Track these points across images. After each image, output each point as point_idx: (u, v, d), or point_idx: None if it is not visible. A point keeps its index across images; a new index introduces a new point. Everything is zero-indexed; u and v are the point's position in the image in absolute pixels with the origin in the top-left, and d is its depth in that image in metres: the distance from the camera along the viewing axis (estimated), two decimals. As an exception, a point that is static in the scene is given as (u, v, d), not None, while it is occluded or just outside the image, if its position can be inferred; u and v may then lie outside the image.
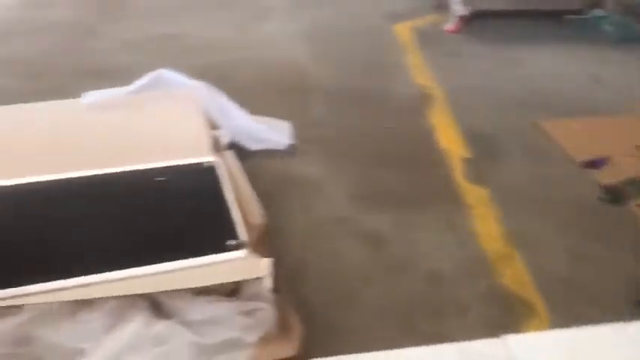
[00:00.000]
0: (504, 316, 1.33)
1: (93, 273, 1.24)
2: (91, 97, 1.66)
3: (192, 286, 1.18)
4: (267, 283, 1.24)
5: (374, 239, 1.53)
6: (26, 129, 1.60)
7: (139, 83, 1.70)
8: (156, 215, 1.44)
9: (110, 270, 1.25)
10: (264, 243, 1.37)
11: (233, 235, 1.39)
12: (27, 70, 2.28)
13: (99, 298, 1.18)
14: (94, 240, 1.35)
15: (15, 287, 1.18)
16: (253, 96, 2.06)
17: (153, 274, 1.26)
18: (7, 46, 2.45)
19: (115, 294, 1.14)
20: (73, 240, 1.34)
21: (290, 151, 1.84)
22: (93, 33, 2.64)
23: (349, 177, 1.76)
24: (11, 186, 1.47)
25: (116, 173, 1.56)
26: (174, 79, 1.73)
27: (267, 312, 1.19)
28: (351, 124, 2.02)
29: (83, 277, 1.23)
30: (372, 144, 1.91)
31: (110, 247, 1.33)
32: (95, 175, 1.54)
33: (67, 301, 1.15)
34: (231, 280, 1.21)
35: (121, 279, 1.24)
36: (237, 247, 1.35)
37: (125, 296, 1.17)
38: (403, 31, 2.78)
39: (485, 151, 1.90)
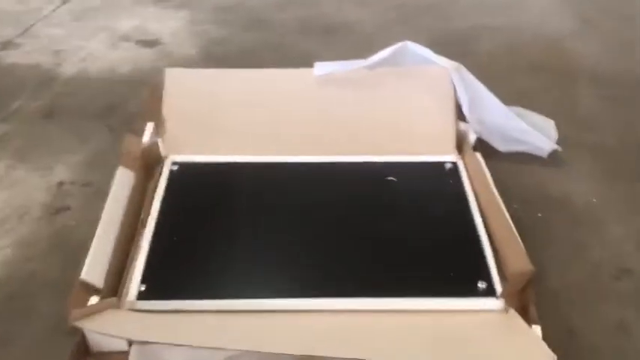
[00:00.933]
0: None
1: (308, 296, 1.01)
2: (324, 68, 1.40)
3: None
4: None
5: (676, 312, 1.11)
6: (251, 99, 1.40)
7: (378, 56, 1.40)
8: (380, 228, 1.16)
9: (328, 295, 1.02)
10: (527, 298, 1.03)
11: (484, 274, 1.08)
12: (246, 20, 2.11)
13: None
14: (302, 249, 1.11)
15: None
16: (498, 78, 1.66)
17: (385, 312, 1.01)
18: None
19: (351, 355, 0.88)
20: (282, 244, 1.12)
21: (553, 161, 1.44)
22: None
23: (637, 210, 1.32)
24: (217, 163, 1.30)
25: (341, 164, 1.32)
26: (420, 54, 1.41)
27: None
28: (633, 127, 1.55)
29: (298, 299, 1.02)
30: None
31: (325, 262, 1.09)
32: (313, 164, 1.31)
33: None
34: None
35: (346, 310, 1.00)
36: (487, 293, 1.05)
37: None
38: None
39: None
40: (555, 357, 0.86)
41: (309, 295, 1.01)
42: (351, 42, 1.94)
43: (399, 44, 1.41)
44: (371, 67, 1.41)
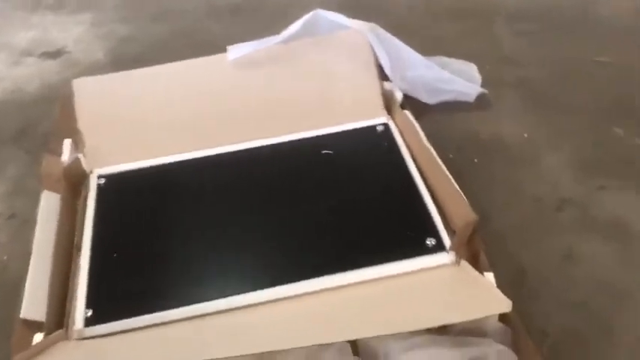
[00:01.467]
0: None
1: (263, 287, 0.99)
2: (238, 50, 1.35)
3: (400, 330, 0.88)
4: (495, 311, 0.93)
5: (618, 231, 1.14)
6: (169, 96, 1.34)
7: (291, 29, 1.37)
8: (323, 204, 1.13)
9: (285, 282, 1.00)
10: (475, 246, 1.04)
11: (432, 231, 1.08)
12: (151, 11, 2.02)
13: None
14: (251, 240, 1.08)
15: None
16: (415, 29, 1.66)
17: (338, 289, 1.00)
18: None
19: (312, 342, 0.87)
20: (230, 239, 1.08)
21: (479, 104, 1.45)
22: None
23: (566, 139, 1.34)
24: (145, 168, 1.24)
25: (274, 145, 1.28)
26: (333, 20, 1.38)
27: (504, 356, 0.88)
28: (553, 58, 1.56)
29: (255, 292, 0.99)
30: (586, 89, 1.46)
31: (275, 250, 1.06)
32: (244, 150, 1.26)
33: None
34: (465, 320, 0.89)
35: (300, 295, 0.99)
36: (437, 249, 1.05)
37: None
38: None
39: None
40: (510, 303, 0.87)
41: (262, 287, 0.99)
42: (264, 19, 1.89)
43: (310, 14, 1.37)
44: (285, 42, 1.38)
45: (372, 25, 1.37)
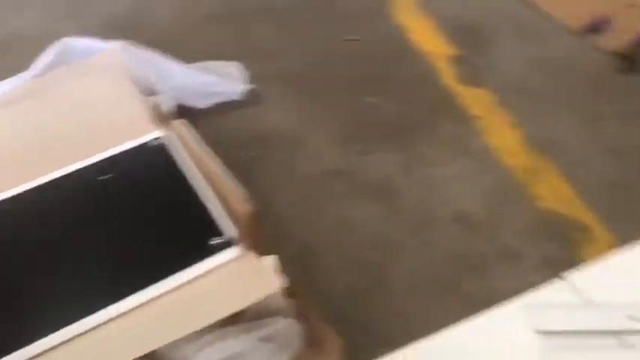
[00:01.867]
0: (559, 249, 1.13)
1: (56, 329, 0.97)
2: (-14, 94, 1.28)
3: (186, 332, 0.91)
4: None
5: (383, 189, 1.27)
6: None
7: (41, 62, 1.32)
8: (108, 230, 1.11)
9: (75, 320, 0.98)
10: (257, 234, 1.10)
11: (216, 230, 1.12)
12: None
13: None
14: (43, 282, 1.03)
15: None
16: (176, 39, 1.67)
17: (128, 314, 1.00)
18: None
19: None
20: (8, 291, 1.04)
21: (249, 100, 1.51)
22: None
23: (329, 117, 1.45)
24: None
25: (50, 183, 1.23)
26: (83, 45, 1.36)
27: (290, 328, 0.95)
28: (309, 46, 1.68)
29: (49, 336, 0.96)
30: (341, 67, 1.59)
31: (70, 287, 1.03)
32: (23, 194, 1.20)
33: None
34: (240, 308, 0.94)
35: (99, 325, 0.98)
36: (223, 246, 1.09)
37: None
38: None
39: (473, 43, 1.61)
40: (282, 280, 0.93)
41: (58, 328, 0.97)
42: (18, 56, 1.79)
43: (56, 44, 1.34)
44: (39, 75, 1.33)
45: (124, 43, 1.37)
